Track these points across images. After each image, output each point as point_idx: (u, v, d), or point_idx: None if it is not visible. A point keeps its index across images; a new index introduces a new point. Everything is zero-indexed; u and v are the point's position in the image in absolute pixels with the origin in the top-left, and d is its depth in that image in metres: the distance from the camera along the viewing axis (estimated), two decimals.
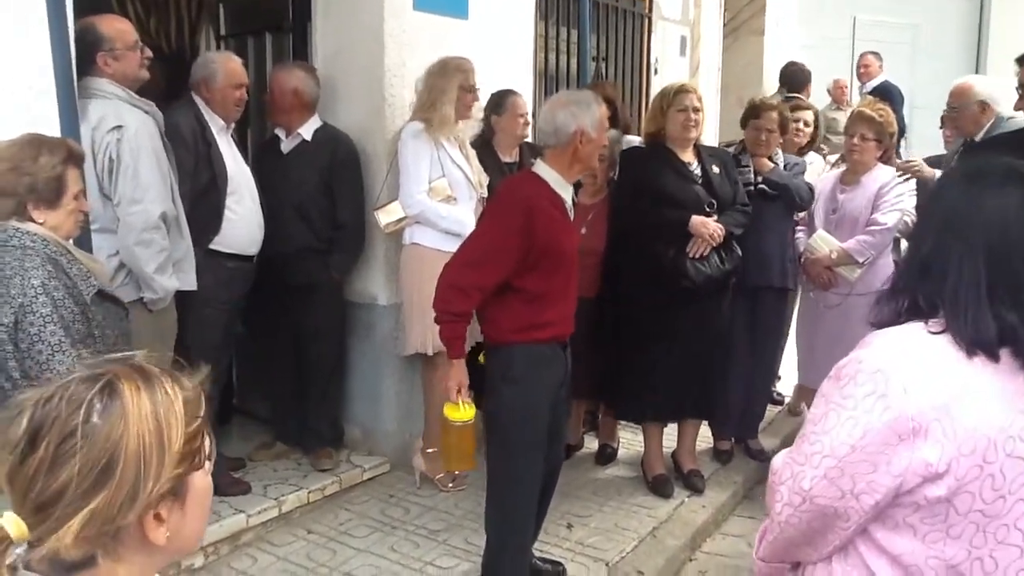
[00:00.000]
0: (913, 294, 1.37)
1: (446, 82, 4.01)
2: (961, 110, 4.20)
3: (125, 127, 3.13)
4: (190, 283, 3.45)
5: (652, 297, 4.05)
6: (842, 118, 6.99)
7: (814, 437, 1.34)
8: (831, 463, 1.30)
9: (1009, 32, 10.00)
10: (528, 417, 3.01)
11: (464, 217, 4.03)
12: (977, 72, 9.49)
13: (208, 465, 1.15)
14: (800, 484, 1.34)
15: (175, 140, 3.47)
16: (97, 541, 1.03)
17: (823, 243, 4.38)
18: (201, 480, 1.13)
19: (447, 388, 3.03)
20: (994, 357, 1.28)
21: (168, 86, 4.29)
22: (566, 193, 3.08)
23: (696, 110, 4.05)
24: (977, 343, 1.29)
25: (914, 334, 1.34)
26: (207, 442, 1.14)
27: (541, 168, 3.06)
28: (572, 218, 3.22)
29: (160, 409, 1.06)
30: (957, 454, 1.24)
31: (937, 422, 1.25)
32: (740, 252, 4.14)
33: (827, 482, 1.31)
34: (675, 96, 4.09)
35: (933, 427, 1.25)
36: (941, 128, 5.13)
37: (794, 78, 7.45)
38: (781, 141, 4.58)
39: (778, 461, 1.44)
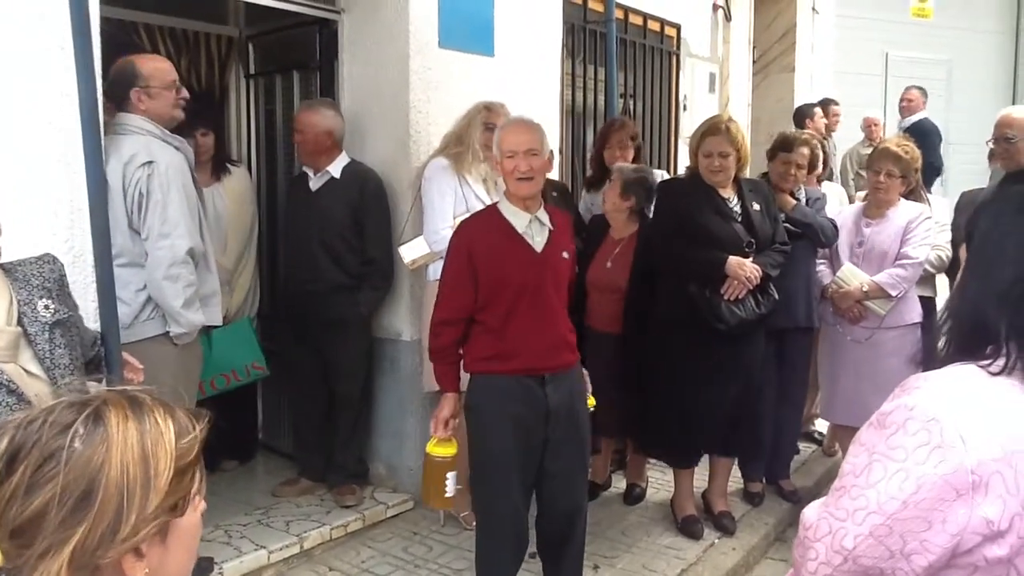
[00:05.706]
0: (984, 326, 1.23)
1: (471, 119, 4.03)
2: (1018, 141, 4.03)
3: (156, 163, 3.16)
4: (215, 318, 3.49)
5: (684, 336, 3.92)
6: None
7: (856, 491, 1.21)
8: (878, 520, 1.18)
9: None
10: (485, 447, 3.03)
11: None
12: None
13: (199, 502, 1.10)
14: (841, 542, 1.21)
15: None
16: None
17: (852, 276, 4.30)
18: (187, 518, 1.07)
19: (433, 420, 3.08)
20: None
21: (192, 122, 4.31)
22: (518, 220, 3.02)
23: (723, 155, 3.87)
24: None
25: (970, 377, 1.21)
26: (199, 480, 1.08)
27: (501, 199, 3.13)
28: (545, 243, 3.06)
29: (147, 439, 1.01)
30: (1021, 510, 1.13)
31: (998, 475, 1.13)
32: (776, 295, 3.97)
33: (873, 540, 1.19)
34: (701, 139, 3.97)
35: (994, 481, 1.13)
36: (990, 161, 4.83)
37: (797, 116, 7.23)
38: (805, 178, 4.50)
39: (811, 514, 1.29)
